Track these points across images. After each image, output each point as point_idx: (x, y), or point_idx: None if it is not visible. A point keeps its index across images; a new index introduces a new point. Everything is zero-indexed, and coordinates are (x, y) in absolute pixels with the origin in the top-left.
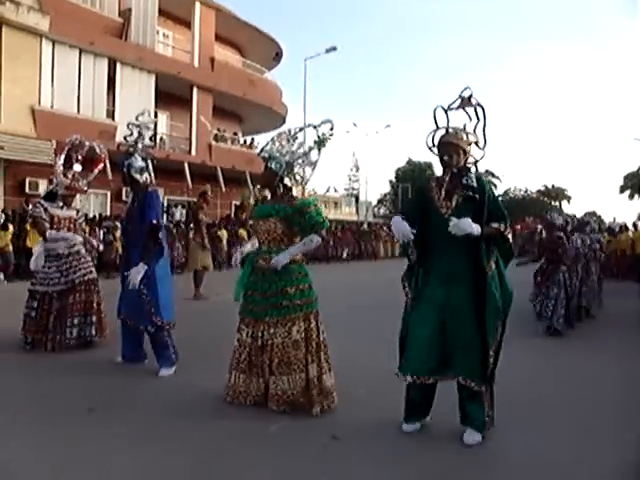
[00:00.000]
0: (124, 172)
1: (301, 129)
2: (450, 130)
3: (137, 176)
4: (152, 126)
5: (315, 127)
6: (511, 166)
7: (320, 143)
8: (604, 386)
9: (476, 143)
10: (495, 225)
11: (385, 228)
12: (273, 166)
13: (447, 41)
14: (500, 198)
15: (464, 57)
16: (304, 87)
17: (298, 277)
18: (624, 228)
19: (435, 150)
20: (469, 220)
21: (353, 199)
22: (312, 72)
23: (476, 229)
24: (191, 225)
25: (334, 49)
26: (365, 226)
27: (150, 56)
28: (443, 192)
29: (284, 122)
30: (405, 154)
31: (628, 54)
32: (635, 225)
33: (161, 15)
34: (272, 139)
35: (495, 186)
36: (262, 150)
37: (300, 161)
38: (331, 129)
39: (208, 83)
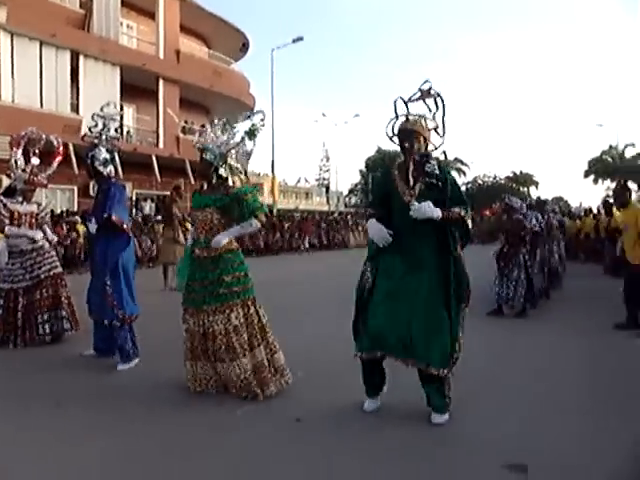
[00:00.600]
0: (88, 164)
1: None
2: (409, 117)
3: (101, 168)
4: (117, 118)
5: (249, 116)
6: (480, 153)
7: (251, 133)
8: (564, 364)
9: (435, 129)
10: (456, 210)
11: (355, 219)
12: (207, 157)
13: (416, 29)
14: (469, 185)
15: (433, 46)
16: (271, 78)
17: (234, 265)
18: (589, 212)
19: (395, 139)
20: (430, 204)
21: (324, 189)
22: (279, 63)
23: (436, 213)
24: (159, 218)
25: (301, 39)
26: (336, 215)
27: (114, 48)
28: (406, 179)
29: (252, 113)
30: (375, 143)
31: (592, 41)
32: (599, 209)
33: (124, 6)
34: (206, 130)
35: (464, 173)
36: (197, 141)
37: (234, 151)
38: (262, 120)
39: (174, 75)
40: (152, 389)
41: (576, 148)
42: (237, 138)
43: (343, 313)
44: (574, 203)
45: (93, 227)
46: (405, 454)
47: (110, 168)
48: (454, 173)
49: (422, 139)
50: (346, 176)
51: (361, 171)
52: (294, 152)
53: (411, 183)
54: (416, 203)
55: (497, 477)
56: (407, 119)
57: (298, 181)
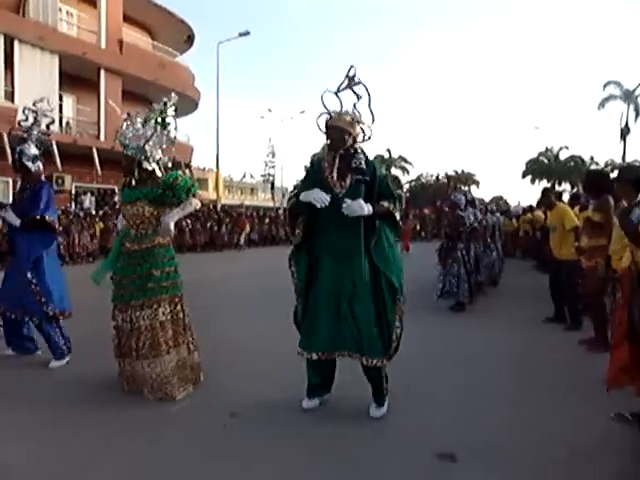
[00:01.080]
0: (15, 158)
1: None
2: (333, 114)
3: (29, 164)
4: (50, 113)
5: (165, 105)
6: (423, 152)
7: (161, 123)
8: (495, 356)
9: (361, 123)
10: (385, 204)
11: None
12: (129, 152)
13: (363, 28)
14: (413, 183)
15: (379, 45)
16: (217, 72)
17: (164, 260)
18: (527, 210)
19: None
20: (361, 202)
21: (269, 185)
22: (225, 57)
23: (367, 210)
24: (100, 212)
25: (247, 33)
26: (281, 211)
27: (52, 35)
28: (335, 173)
29: (197, 107)
30: (320, 140)
31: (531, 45)
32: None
33: None
34: (127, 124)
35: (408, 172)
36: (117, 136)
37: (151, 143)
38: (175, 110)
39: (116, 66)
40: (85, 387)
41: (515, 149)
42: (151, 129)
43: (276, 310)
44: (513, 202)
45: (15, 220)
46: (341, 447)
47: (39, 164)
48: (397, 171)
49: (347, 134)
50: (292, 172)
51: (306, 167)
52: (239, 147)
53: (341, 176)
54: (348, 200)
55: (427, 466)
56: (331, 116)
57: (243, 176)
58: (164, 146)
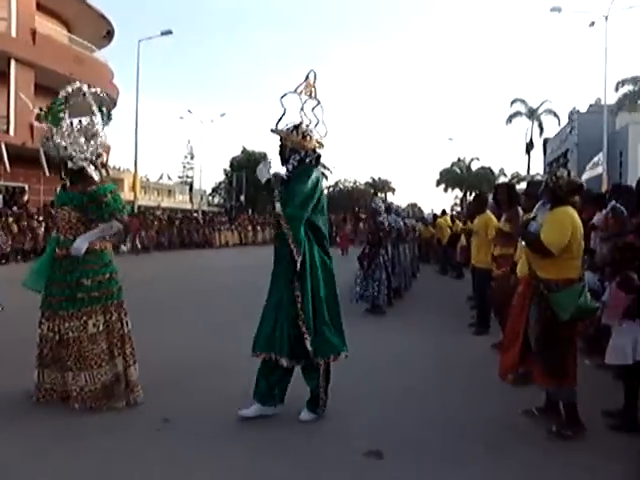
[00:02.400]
0: None
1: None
2: (277, 127)
3: None
4: None
5: (66, 97)
6: (342, 158)
7: (52, 118)
8: (417, 358)
9: (304, 134)
10: (278, 206)
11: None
12: (52, 153)
13: (287, 31)
14: (331, 189)
15: (298, 50)
16: (137, 70)
17: (95, 268)
18: (441, 215)
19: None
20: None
21: (187, 187)
22: (146, 55)
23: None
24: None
25: (170, 32)
26: (200, 214)
27: None
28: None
29: (115, 105)
30: (240, 143)
31: (449, 58)
32: (443, 213)
33: None
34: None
35: (327, 178)
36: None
37: (68, 140)
38: (60, 104)
39: (29, 57)
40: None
41: (429, 159)
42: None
43: (210, 316)
44: (427, 209)
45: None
46: (274, 450)
47: None
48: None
49: (288, 145)
50: (210, 175)
51: (225, 170)
52: (157, 148)
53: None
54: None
55: (356, 463)
56: (287, 134)
57: (160, 177)
58: (91, 141)
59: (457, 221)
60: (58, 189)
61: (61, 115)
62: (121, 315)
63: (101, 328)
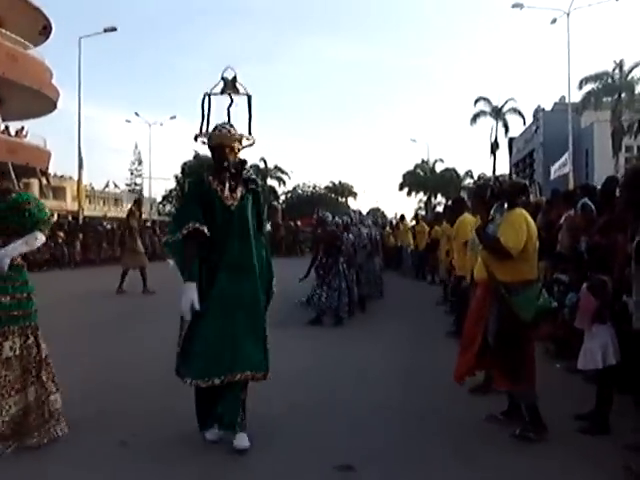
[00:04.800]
0: None
1: None
2: (222, 130)
3: None
4: None
5: None
6: (300, 162)
7: None
8: (384, 369)
9: (241, 137)
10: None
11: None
12: None
13: (234, 31)
14: (289, 194)
15: (253, 48)
16: (78, 69)
17: (15, 285)
18: (400, 220)
19: (205, 141)
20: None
21: (136, 196)
22: (88, 53)
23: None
24: None
25: (114, 29)
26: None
27: None
28: (227, 186)
29: (55, 107)
30: (192, 148)
31: (411, 57)
32: (402, 218)
33: None
34: None
35: (284, 182)
36: None
37: None
38: None
39: None
40: None
41: (392, 161)
42: None
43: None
44: (390, 214)
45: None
46: (241, 471)
47: None
48: (273, 182)
49: (236, 150)
50: (160, 182)
51: (177, 177)
52: (103, 154)
53: (232, 189)
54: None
55: (329, 478)
56: (220, 132)
57: (106, 185)
58: None
59: (436, 226)
60: None
61: None
62: (38, 339)
63: (17, 352)
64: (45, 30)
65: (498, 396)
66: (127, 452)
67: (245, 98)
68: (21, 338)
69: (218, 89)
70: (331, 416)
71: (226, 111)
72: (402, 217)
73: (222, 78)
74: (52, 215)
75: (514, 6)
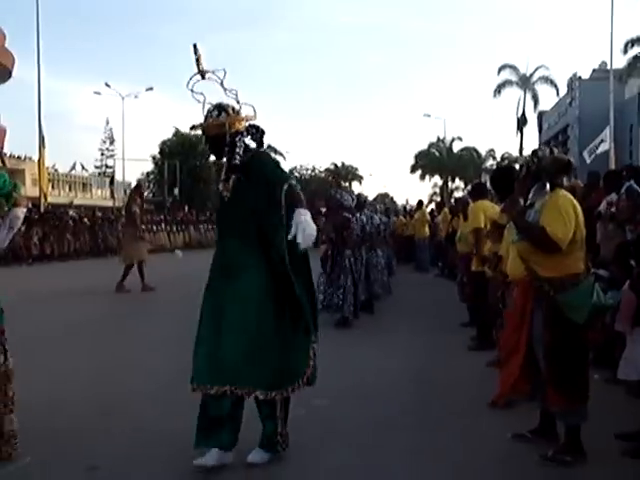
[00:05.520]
0: None
1: None
2: (206, 119)
3: None
4: None
5: None
6: (298, 142)
7: None
8: (391, 375)
9: (235, 111)
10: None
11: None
12: None
13: None
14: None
15: (240, 10)
16: (37, 31)
17: None
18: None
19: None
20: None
21: (107, 180)
22: (49, 15)
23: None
24: None
25: None
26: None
27: None
28: (222, 176)
29: (10, 76)
30: (171, 124)
31: (421, 22)
32: (419, 205)
33: None
34: None
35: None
36: None
37: None
38: None
39: None
40: None
41: (403, 140)
42: None
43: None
44: (400, 200)
45: None
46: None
47: None
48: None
49: (223, 135)
50: (136, 164)
51: (154, 158)
52: (68, 131)
53: (226, 179)
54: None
55: None
56: (204, 122)
57: (73, 168)
58: None
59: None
60: None
61: None
62: (4, 346)
63: None
64: None
65: (526, 410)
66: (97, 476)
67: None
68: None
69: (196, 78)
70: (329, 435)
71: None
72: (420, 203)
73: (196, 59)
74: (17, 184)
75: None
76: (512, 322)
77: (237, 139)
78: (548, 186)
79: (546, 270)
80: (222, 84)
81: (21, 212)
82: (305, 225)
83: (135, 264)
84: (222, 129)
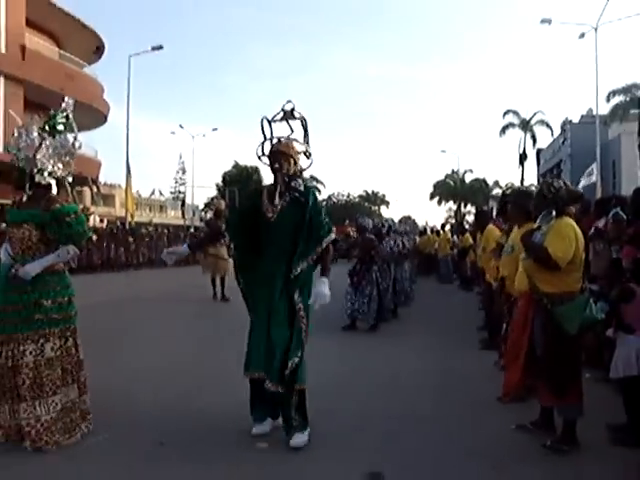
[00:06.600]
0: None
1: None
2: (281, 140)
3: None
4: None
5: (58, 111)
6: (334, 172)
7: (50, 130)
8: (415, 376)
9: (304, 153)
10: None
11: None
12: (21, 164)
13: (272, 46)
14: (324, 203)
15: (290, 62)
16: (128, 85)
17: (56, 289)
18: (432, 230)
19: (265, 159)
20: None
21: (179, 202)
22: (137, 70)
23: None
24: None
25: (160, 47)
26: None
27: None
28: (273, 197)
29: (106, 120)
30: (232, 158)
31: (441, 69)
32: (442, 227)
33: None
34: (20, 132)
35: (319, 191)
36: (9, 144)
37: (44, 153)
38: (66, 117)
39: (18, 73)
40: None
41: (423, 171)
42: (49, 138)
43: (188, 332)
44: (421, 222)
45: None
46: (269, 475)
47: None
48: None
49: (292, 160)
50: (202, 190)
51: (218, 185)
52: (149, 164)
53: (276, 201)
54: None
55: None
56: (279, 141)
57: (152, 193)
58: (64, 158)
59: (466, 234)
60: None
61: (60, 128)
62: (76, 341)
63: (57, 353)
64: (98, 50)
65: (533, 405)
66: (165, 451)
67: (301, 124)
68: (61, 340)
69: (278, 117)
70: (361, 424)
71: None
72: (443, 226)
73: (282, 109)
74: (92, 232)
75: (543, 21)
76: (516, 329)
77: (297, 170)
78: (554, 213)
79: (546, 286)
80: (303, 122)
81: (73, 251)
82: (322, 298)
83: (218, 277)
84: (290, 151)
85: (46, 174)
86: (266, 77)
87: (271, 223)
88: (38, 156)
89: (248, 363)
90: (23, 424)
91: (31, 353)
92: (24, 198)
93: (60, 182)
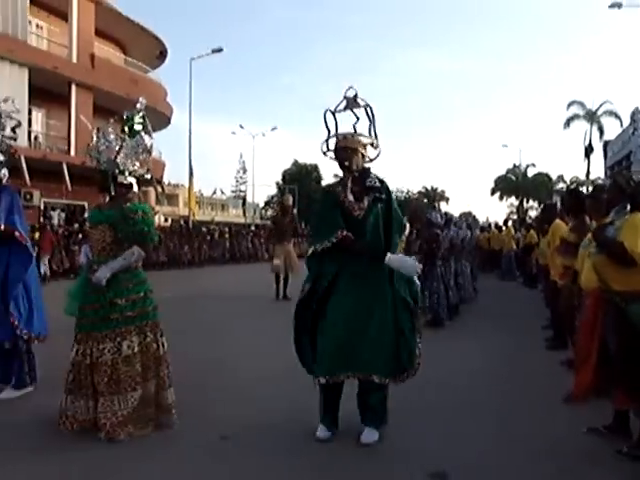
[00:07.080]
0: None
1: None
2: (346, 135)
3: None
4: (16, 115)
5: (133, 113)
6: (394, 168)
7: (129, 132)
8: (481, 372)
9: (371, 144)
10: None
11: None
12: (102, 167)
13: (332, 45)
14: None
15: (347, 61)
16: (190, 88)
17: (129, 287)
18: (495, 226)
19: (330, 154)
20: (411, 262)
21: (240, 201)
22: (198, 72)
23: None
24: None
25: (220, 50)
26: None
27: (22, 48)
28: (350, 195)
29: (169, 122)
30: (291, 156)
31: (503, 62)
32: (505, 223)
33: (33, 4)
34: (98, 136)
35: None
36: (88, 149)
37: (123, 154)
38: (143, 118)
39: (88, 80)
40: (44, 424)
41: (484, 167)
42: (126, 139)
43: (250, 329)
44: (481, 218)
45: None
46: (334, 470)
47: (4, 172)
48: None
49: (360, 155)
50: (263, 188)
51: (277, 183)
52: (210, 163)
53: (357, 198)
54: (389, 254)
55: None
56: (344, 137)
57: (214, 192)
58: (141, 156)
59: (532, 230)
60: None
61: (138, 128)
62: (157, 336)
63: (136, 349)
64: (161, 55)
65: (601, 406)
66: (228, 445)
67: (366, 113)
68: (140, 336)
69: (341, 106)
70: (425, 419)
71: (352, 128)
72: (505, 222)
73: (344, 97)
74: (158, 236)
75: (612, 6)
76: (585, 329)
77: (365, 165)
78: (629, 207)
79: (618, 284)
80: (373, 122)
81: (138, 251)
82: (404, 266)
83: (282, 275)
84: (358, 146)
85: (127, 174)
86: (330, 76)
87: (359, 221)
88: (119, 158)
89: (323, 366)
90: (100, 417)
91: (109, 351)
92: (107, 199)
93: (140, 181)
